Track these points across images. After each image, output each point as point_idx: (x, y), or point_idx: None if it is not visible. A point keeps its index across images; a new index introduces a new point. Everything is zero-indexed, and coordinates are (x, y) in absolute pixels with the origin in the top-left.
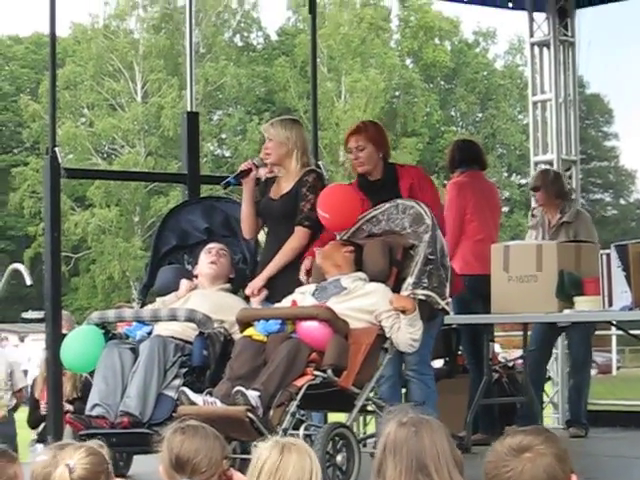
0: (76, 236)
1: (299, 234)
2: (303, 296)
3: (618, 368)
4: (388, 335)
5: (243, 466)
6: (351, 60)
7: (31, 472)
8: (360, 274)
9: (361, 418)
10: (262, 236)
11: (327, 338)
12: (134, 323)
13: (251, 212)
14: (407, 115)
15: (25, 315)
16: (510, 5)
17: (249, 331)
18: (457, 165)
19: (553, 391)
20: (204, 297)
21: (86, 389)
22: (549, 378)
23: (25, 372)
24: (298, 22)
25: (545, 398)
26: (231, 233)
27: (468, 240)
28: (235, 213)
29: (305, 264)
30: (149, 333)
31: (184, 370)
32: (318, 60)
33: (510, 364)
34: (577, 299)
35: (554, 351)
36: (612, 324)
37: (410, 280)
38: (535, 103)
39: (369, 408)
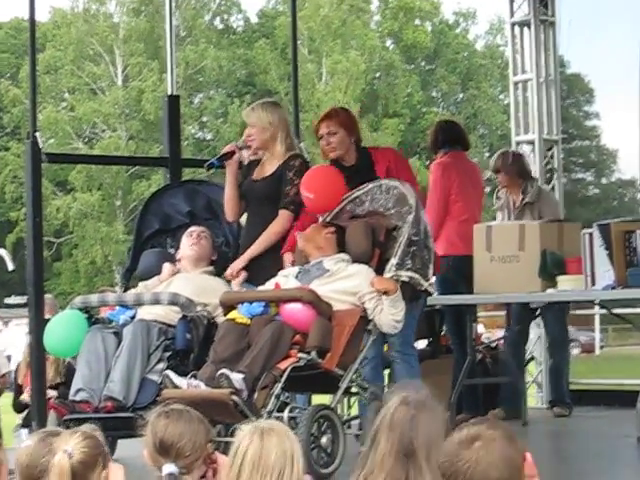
0: (58, 221)
1: (283, 217)
2: (286, 279)
3: (601, 347)
4: (371, 317)
5: (228, 449)
6: (331, 42)
7: (16, 459)
8: (343, 255)
9: (345, 400)
10: (244, 218)
11: (311, 320)
12: (117, 307)
13: (234, 195)
14: (388, 96)
15: (8, 300)
16: None
17: (233, 314)
18: (440, 145)
19: (537, 371)
20: (187, 280)
21: (69, 374)
22: (532, 358)
23: (8, 357)
24: (278, 4)
25: (529, 378)
26: (213, 216)
27: (453, 221)
28: (217, 196)
29: (288, 258)
30: (132, 317)
31: (168, 354)
32: (299, 42)
33: (493, 344)
34: (560, 278)
35: (538, 330)
36: (595, 303)
37: (393, 261)
38: (516, 83)
39: (353, 390)
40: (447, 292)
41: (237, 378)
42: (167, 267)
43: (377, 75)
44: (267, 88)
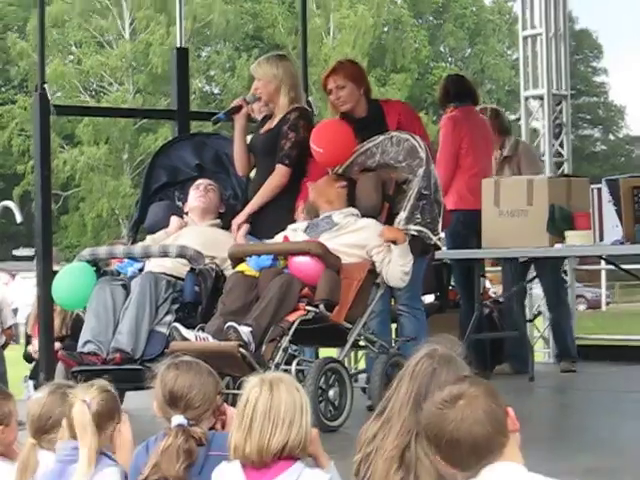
0: (65, 174)
1: (279, 172)
2: (295, 233)
3: (607, 303)
4: (379, 269)
5: (235, 401)
6: None
7: (27, 411)
8: (352, 210)
9: (352, 354)
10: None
11: (319, 273)
12: (125, 260)
13: (243, 149)
14: (396, 51)
15: (16, 252)
16: None
17: (241, 267)
18: (451, 99)
19: (544, 326)
20: (195, 233)
21: (77, 326)
22: (540, 313)
23: (15, 310)
24: None
25: (536, 333)
26: (222, 169)
27: (463, 175)
28: (225, 149)
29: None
30: (140, 270)
31: (176, 306)
32: None
33: (500, 299)
34: (568, 233)
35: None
36: (603, 258)
37: (403, 215)
38: (525, 38)
39: (361, 343)
40: (457, 246)
41: (245, 331)
42: (175, 220)
43: (385, 30)
44: (275, 42)
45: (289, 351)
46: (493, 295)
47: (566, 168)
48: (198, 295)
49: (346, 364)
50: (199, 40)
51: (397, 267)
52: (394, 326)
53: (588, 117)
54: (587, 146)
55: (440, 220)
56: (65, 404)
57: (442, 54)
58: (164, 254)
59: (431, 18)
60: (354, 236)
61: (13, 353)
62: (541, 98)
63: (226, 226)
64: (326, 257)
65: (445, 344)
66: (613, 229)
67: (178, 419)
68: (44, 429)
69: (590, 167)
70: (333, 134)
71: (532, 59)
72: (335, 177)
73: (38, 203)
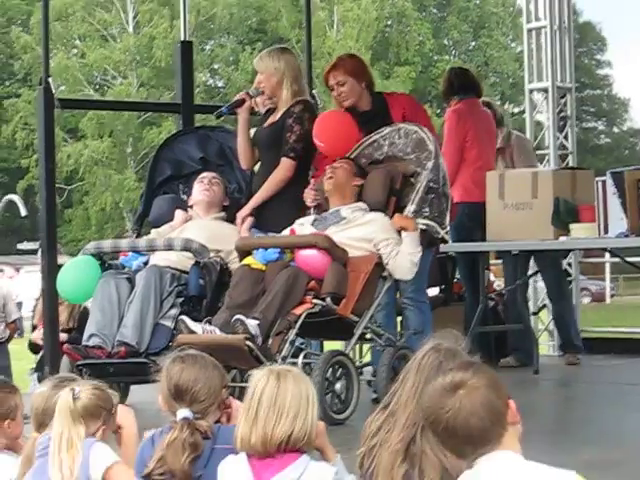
0: (69, 167)
1: (284, 165)
2: (302, 227)
3: (612, 296)
4: (386, 261)
5: (242, 395)
6: None
7: (31, 404)
8: (360, 204)
9: (357, 347)
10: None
11: (326, 266)
12: (130, 253)
13: (246, 142)
14: (400, 44)
15: (20, 246)
16: None
17: (248, 260)
18: (455, 92)
19: (548, 319)
20: (200, 227)
21: (84, 319)
22: (544, 306)
23: (19, 304)
24: None
25: (540, 326)
26: (226, 162)
27: (468, 167)
28: (230, 142)
29: (308, 196)
30: (145, 263)
31: (180, 300)
32: None
33: (504, 292)
34: (573, 226)
35: None
36: (608, 251)
37: (411, 208)
38: (530, 30)
39: (367, 336)
40: (462, 239)
41: (252, 324)
42: (179, 214)
43: (389, 23)
44: (279, 35)
45: (296, 344)
46: (497, 288)
47: (571, 161)
48: (203, 288)
49: (352, 357)
50: (203, 34)
51: (406, 257)
52: (399, 319)
53: (592, 110)
54: (591, 139)
55: (448, 214)
56: None
57: (446, 47)
58: (169, 247)
59: (435, 11)
60: (361, 229)
61: (18, 347)
62: (545, 91)
63: (231, 219)
64: (333, 250)
65: (449, 339)
66: (618, 221)
67: (184, 412)
68: (47, 423)
69: (594, 160)
70: (333, 127)
71: (536, 52)
72: (354, 171)
73: (42, 196)
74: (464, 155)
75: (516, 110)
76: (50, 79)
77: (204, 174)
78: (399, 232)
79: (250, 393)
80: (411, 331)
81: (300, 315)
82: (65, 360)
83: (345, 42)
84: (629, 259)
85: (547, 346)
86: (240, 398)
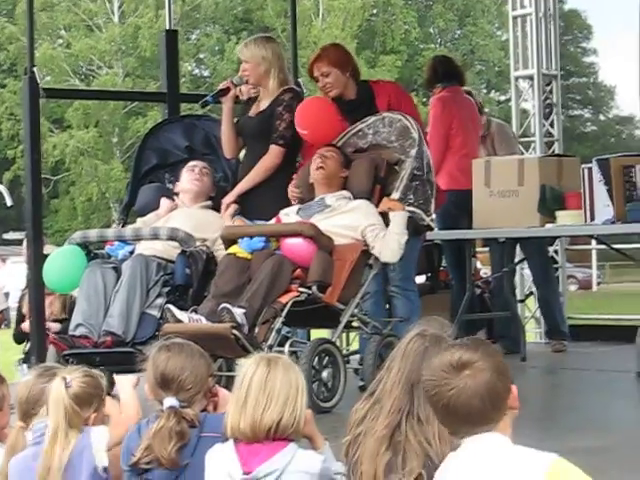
0: (54, 158)
1: (273, 152)
2: (288, 217)
3: (598, 284)
4: (372, 245)
5: (229, 383)
6: None
7: (15, 394)
8: (344, 192)
9: (344, 335)
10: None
11: (311, 255)
12: (116, 243)
13: (231, 131)
14: (385, 33)
15: (6, 236)
16: None
17: (233, 248)
18: (440, 79)
19: (535, 306)
20: (186, 215)
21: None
22: (531, 293)
23: (6, 295)
24: None
25: (527, 313)
26: (212, 151)
27: (454, 155)
28: (215, 131)
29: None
30: (131, 252)
31: (167, 289)
32: None
33: (490, 280)
34: (559, 213)
35: None
36: (594, 238)
37: (395, 196)
38: (515, 18)
39: (354, 324)
40: (448, 227)
41: (239, 312)
42: (165, 202)
43: (374, 12)
44: (264, 25)
45: (282, 333)
46: (484, 276)
47: (557, 148)
48: (189, 277)
49: (338, 345)
50: (188, 23)
51: (393, 237)
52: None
53: (578, 98)
54: (577, 126)
55: (433, 201)
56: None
57: (431, 36)
58: (155, 237)
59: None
60: (346, 217)
61: (5, 337)
62: (531, 78)
63: (216, 208)
64: (318, 238)
65: (435, 326)
66: (604, 209)
67: (170, 401)
68: (32, 412)
69: (580, 147)
70: (315, 113)
71: (522, 39)
72: (342, 161)
73: (28, 187)
74: (449, 143)
75: (502, 98)
76: (35, 69)
77: (194, 162)
78: (386, 214)
79: (240, 379)
80: (397, 319)
81: (286, 303)
82: (52, 350)
83: (331, 31)
84: (615, 246)
85: (534, 333)
86: (226, 387)
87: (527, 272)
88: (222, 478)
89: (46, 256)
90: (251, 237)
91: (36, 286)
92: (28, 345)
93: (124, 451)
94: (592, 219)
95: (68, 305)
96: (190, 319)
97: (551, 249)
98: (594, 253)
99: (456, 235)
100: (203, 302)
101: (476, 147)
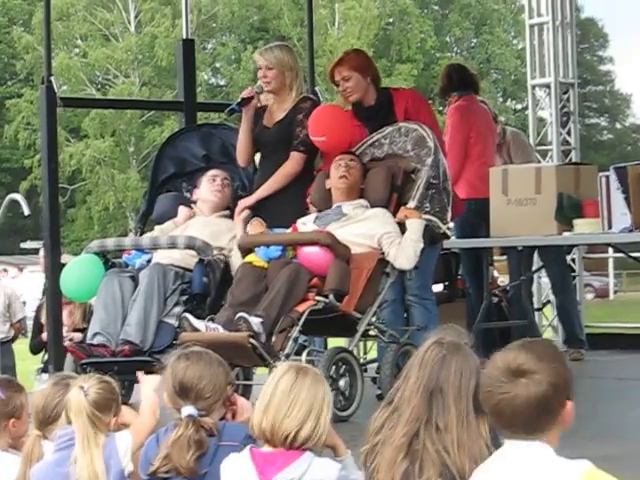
0: (71, 167)
1: (294, 159)
2: (304, 226)
3: (615, 292)
4: (387, 250)
5: (245, 392)
6: None
7: (32, 403)
8: (362, 201)
9: (361, 344)
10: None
11: (328, 263)
12: (133, 251)
13: (249, 140)
14: (401, 42)
15: (24, 245)
16: None
17: (250, 257)
18: (456, 87)
19: (552, 314)
20: (203, 224)
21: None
22: (548, 302)
23: (23, 303)
24: None
25: (545, 322)
26: (229, 160)
27: (473, 164)
28: (232, 140)
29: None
30: (149, 261)
31: (184, 298)
32: None
33: (507, 288)
34: (576, 222)
35: None
36: (611, 246)
37: (412, 204)
38: (532, 26)
39: (371, 333)
40: (466, 235)
41: (255, 321)
42: (182, 211)
43: (390, 20)
44: (280, 34)
45: (299, 341)
46: (501, 284)
47: (574, 157)
48: (207, 286)
49: (356, 354)
50: (204, 32)
51: (409, 243)
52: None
53: (594, 106)
54: (594, 135)
55: (449, 209)
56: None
57: (448, 44)
58: (172, 245)
59: (436, 8)
60: (363, 225)
61: (23, 346)
62: (548, 87)
63: (233, 217)
64: (335, 247)
65: (452, 334)
66: (621, 217)
67: (188, 410)
68: (48, 420)
69: (597, 156)
70: (330, 120)
71: (539, 48)
72: (363, 172)
73: (45, 196)
74: (468, 151)
75: (518, 107)
76: (52, 78)
77: (215, 172)
78: (403, 224)
79: (268, 381)
80: (415, 327)
81: (303, 312)
82: (69, 359)
83: (347, 40)
84: (633, 254)
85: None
86: (243, 396)
87: (544, 280)
88: None
89: (63, 265)
90: (268, 246)
91: (53, 295)
92: (47, 355)
93: (142, 460)
94: (609, 227)
95: (88, 314)
96: (207, 328)
97: (568, 257)
98: (611, 261)
99: (473, 243)
100: (220, 311)
101: (493, 155)
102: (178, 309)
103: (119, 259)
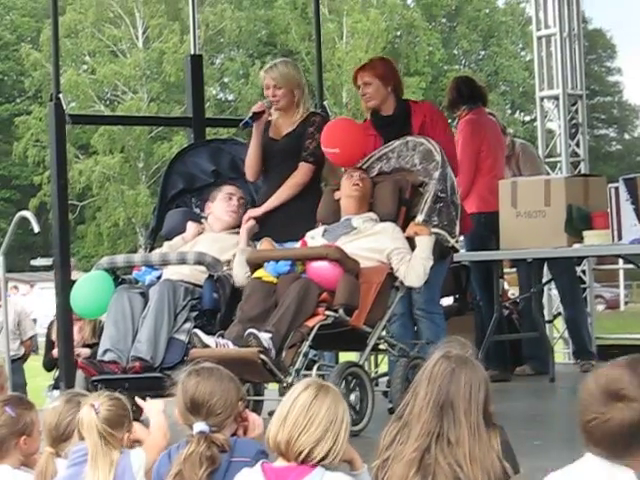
0: (81, 184)
1: (303, 169)
2: (313, 240)
3: (626, 303)
4: (396, 267)
5: (256, 408)
6: (352, 0)
7: (43, 420)
8: (371, 214)
9: (372, 358)
10: None
11: (337, 278)
12: (143, 268)
13: (258, 155)
14: (409, 55)
15: (34, 262)
16: None
17: (259, 272)
18: (465, 100)
19: (563, 326)
20: (212, 240)
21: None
22: (559, 314)
23: (34, 321)
24: None
25: (555, 334)
26: (238, 175)
27: (483, 177)
28: (242, 155)
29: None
30: (158, 277)
31: (194, 313)
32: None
33: (518, 300)
34: (586, 233)
35: None
36: (621, 257)
37: (420, 218)
38: (539, 38)
39: (381, 347)
40: (475, 248)
41: (265, 337)
42: (191, 226)
43: (398, 34)
44: (288, 48)
45: (309, 356)
46: (512, 297)
47: (582, 168)
48: (217, 302)
49: (366, 368)
50: (212, 48)
51: (419, 261)
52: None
53: (603, 117)
54: (602, 146)
55: (457, 222)
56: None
57: (456, 57)
58: (182, 261)
59: (444, 21)
60: (372, 240)
61: (33, 364)
62: (556, 98)
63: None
64: (344, 261)
65: (455, 346)
66: (631, 228)
67: (200, 426)
68: (61, 438)
69: (606, 167)
70: (343, 132)
71: (547, 59)
72: (371, 184)
73: (55, 212)
74: (479, 165)
75: (527, 118)
76: (61, 95)
77: (231, 190)
78: (412, 239)
79: (288, 395)
80: (424, 341)
81: (313, 327)
82: (80, 375)
83: (354, 53)
84: None
85: (562, 354)
86: (254, 412)
87: (555, 292)
88: None
89: (73, 282)
90: (277, 261)
91: (64, 312)
92: (58, 372)
93: (155, 476)
94: (619, 238)
95: (98, 330)
96: (217, 344)
97: (578, 269)
98: (621, 272)
99: (483, 256)
100: (229, 327)
101: (503, 168)
102: (188, 325)
103: (129, 275)
